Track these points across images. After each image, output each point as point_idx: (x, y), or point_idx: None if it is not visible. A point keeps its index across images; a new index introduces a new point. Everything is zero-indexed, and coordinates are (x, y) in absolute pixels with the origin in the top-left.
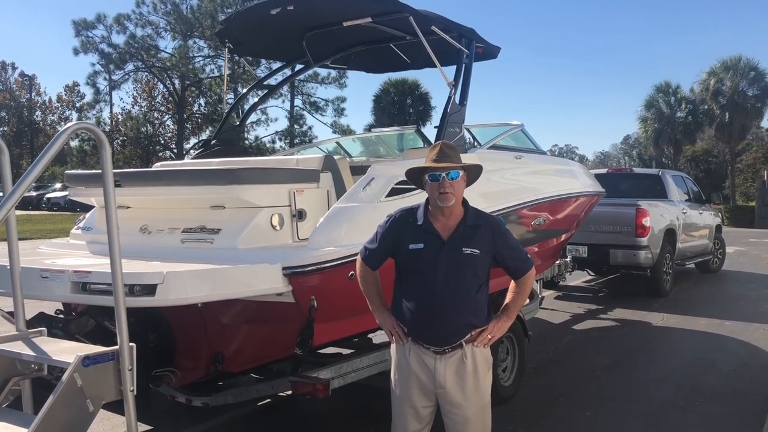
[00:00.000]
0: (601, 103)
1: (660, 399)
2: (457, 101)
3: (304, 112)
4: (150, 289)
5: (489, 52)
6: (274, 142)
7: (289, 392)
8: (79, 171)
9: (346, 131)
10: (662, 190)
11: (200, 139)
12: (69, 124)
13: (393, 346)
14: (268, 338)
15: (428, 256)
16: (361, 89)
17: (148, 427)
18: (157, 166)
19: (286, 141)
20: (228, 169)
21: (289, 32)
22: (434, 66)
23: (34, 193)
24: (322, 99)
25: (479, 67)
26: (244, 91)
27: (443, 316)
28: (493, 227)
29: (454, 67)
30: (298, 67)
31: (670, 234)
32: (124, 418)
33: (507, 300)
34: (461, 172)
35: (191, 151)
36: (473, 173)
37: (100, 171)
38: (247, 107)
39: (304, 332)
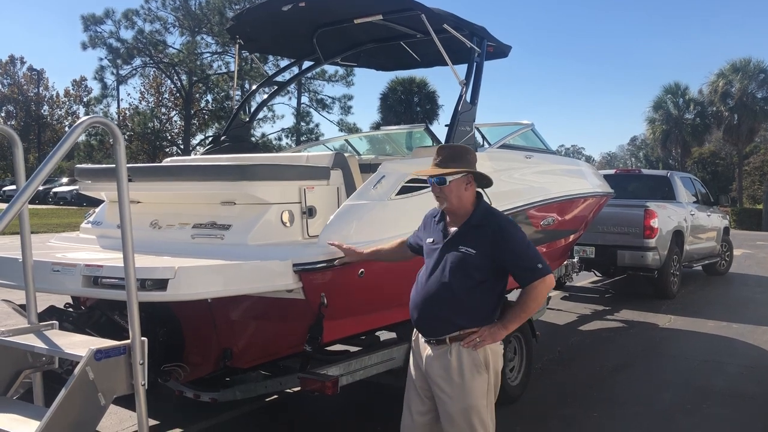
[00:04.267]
0: (607, 103)
1: (667, 401)
2: (468, 100)
3: (311, 110)
4: (161, 284)
5: (500, 51)
6: (280, 139)
7: (297, 389)
8: (90, 165)
9: (353, 129)
10: (670, 191)
11: (206, 135)
12: (84, 118)
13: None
14: (277, 335)
15: (433, 250)
16: (368, 87)
17: (155, 422)
18: (167, 162)
19: (293, 138)
20: (239, 165)
21: (299, 29)
22: (444, 64)
23: (41, 187)
24: (329, 96)
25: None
26: (254, 87)
27: (427, 309)
28: (495, 229)
29: (464, 66)
30: (308, 64)
31: (677, 236)
32: (130, 412)
33: (508, 307)
34: (451, 178)
35: (198, 148)
36: (477, 174)
37: (110, 165)
38: (254, 104)
39: (314, 329)
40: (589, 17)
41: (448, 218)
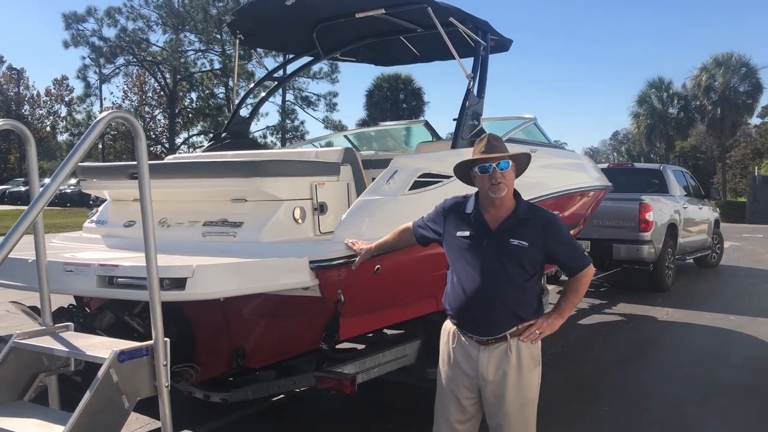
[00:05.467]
0: (589, 98)
1: (675, 394)
2: (476, 94)
3: (296, 107)
4: (179, 283)
5: (501, 45)
6: (265, 136)
7: (303, 388)
8: (94, 163)
9: (339, 126)
10: (663, 184)
11: (191, 133)
12: (104, 113)
13: (442, 337)
14: (292, 333)
15: (474, 244)
16: (354, 84)
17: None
18: (171, 159)
19: (278, 136)
20: (251, 161)
21: (300, 24)
22: (444, 59)
23: (23, 188)
24: (314, 94)
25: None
26: (252, 85)
27: (487, 306)
28: (545, 222)
29: (466, 60)
30: (308, 59)
31: (672, 229)
32: (136, 414)
33: (560, 297)
34: (511, 162)
35: (182, 146)
36: (522, 163)
37: (114, 163)
38: (238, 101)
39: (330, 327)
40: (568, 12)
41: (484, 211)
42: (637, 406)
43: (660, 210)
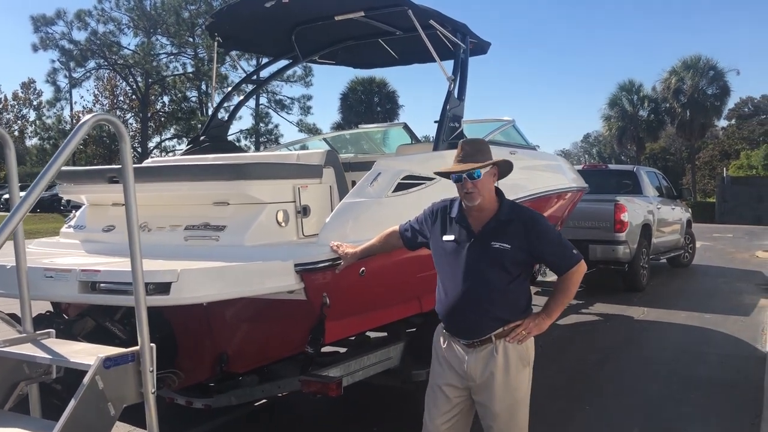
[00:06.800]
0: (560, 100)
1: (654, 392)
2: (456, 96)
3: (270, 110)
4: (164, 288)
5: (480, 47)
6: (239, 140)
7: (285, 393)
8: (71, 167)
9: (313, 129)
10: (637, 185)
11: (163, 138)
12: (88, 116)
13: (435, 339)
14: (276, 337)
15: (458, 248)
16: (328, 87)
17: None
18: (150, 162)
19: (251, 140)
20: (235, 164)
21: (279, 26)
22: (422, 61)
23: None
24: (288, 97)
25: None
26: (230, 89)
27: (470, 309)
28: (527, 222)
29: (446, 63)
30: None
31: (646, 229)
32: (118, 422)
33: (549, 297)
34: (483, 170)
35: (155, 150)
36: (503, 166)
37: (92, 167)
38: (215, 104)
39: (316, 330)
40: (541, 15)
41: (468, 214)
42: (618, 405)
43: (634, 211)
